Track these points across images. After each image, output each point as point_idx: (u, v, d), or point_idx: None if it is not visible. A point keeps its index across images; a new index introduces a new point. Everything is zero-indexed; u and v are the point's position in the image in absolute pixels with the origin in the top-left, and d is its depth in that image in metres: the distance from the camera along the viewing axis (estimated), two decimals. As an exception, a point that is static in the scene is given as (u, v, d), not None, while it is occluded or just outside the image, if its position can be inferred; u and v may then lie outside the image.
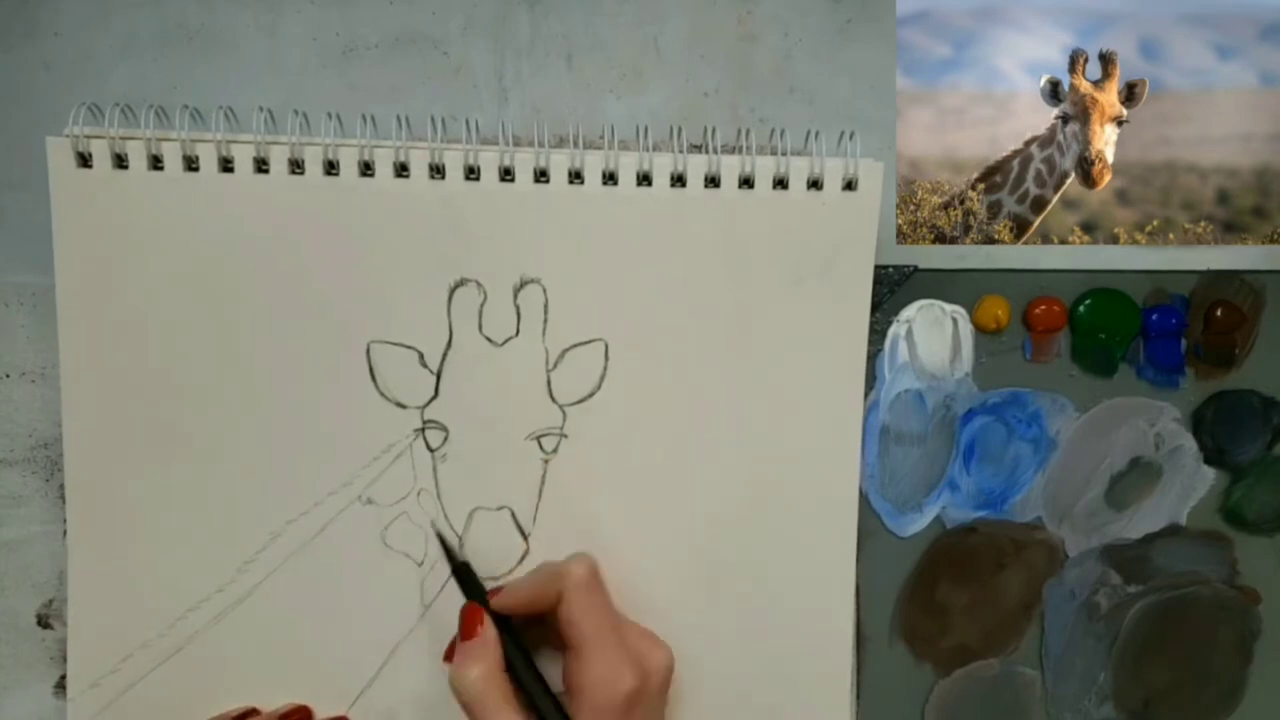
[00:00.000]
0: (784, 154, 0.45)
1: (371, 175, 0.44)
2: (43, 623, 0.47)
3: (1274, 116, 0.50)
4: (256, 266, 0.45)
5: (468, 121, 0.44)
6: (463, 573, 0.44)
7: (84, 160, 0.43)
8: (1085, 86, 0.49)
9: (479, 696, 0.39)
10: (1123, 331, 0.49)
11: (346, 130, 0.44)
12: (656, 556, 0.47)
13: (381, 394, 0.45)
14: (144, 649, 0.45)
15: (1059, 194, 0.49)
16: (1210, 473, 0.50)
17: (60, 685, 0.47)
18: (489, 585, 0.45)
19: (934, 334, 0.49)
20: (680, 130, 0.45)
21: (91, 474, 0.45)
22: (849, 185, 0.45)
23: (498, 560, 0.46)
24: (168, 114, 0.44)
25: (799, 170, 0.45)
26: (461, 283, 0.45)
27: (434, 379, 0.46)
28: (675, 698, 0.47)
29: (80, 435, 0.45)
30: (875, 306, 0.48)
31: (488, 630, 0.41)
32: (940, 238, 0.49)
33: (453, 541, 0.46)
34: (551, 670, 0.43)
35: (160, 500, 0.45)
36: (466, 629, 0.41)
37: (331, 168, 0.44)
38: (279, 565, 0.46)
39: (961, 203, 0.49)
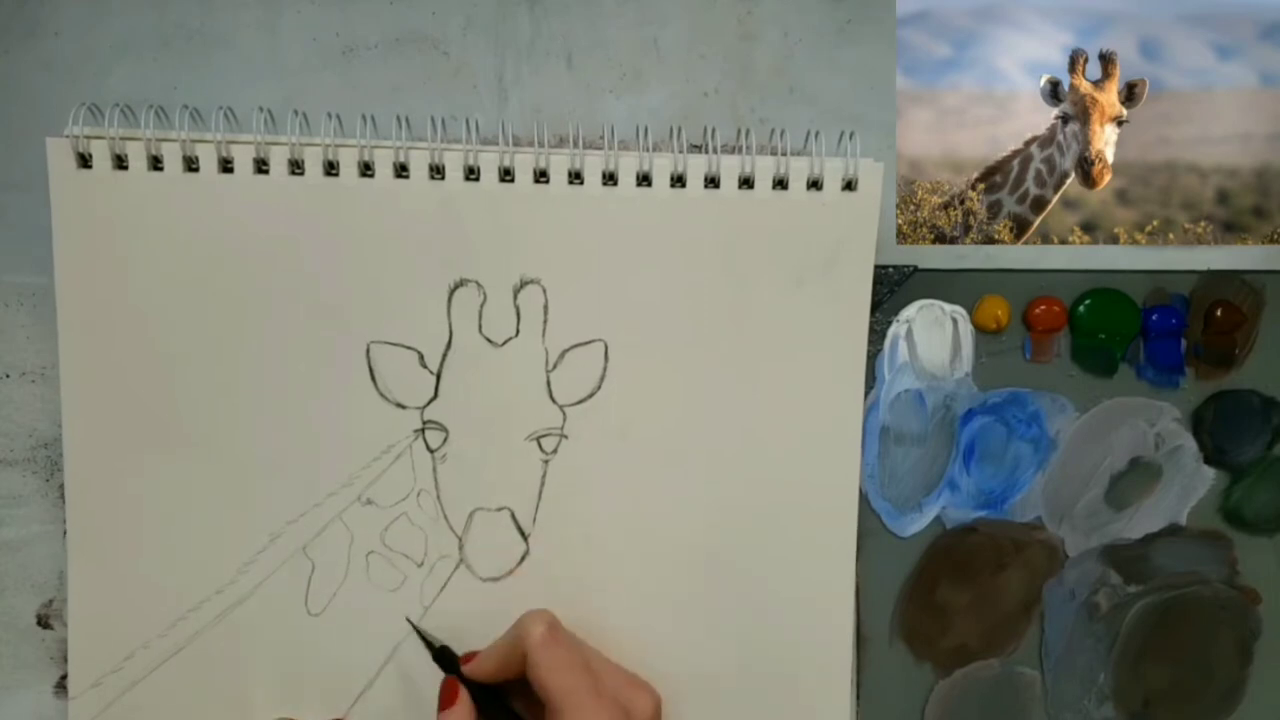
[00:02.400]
0: (784, 154, 0.45)
1: (371, 175, 0.44)
2: (43, 623, 0.47)
3: (1274, 116, 0.50)
4: (256, 267, 0.45)
5: (468, 121, 0.44)
6: (443, 659, 0.44)
7: (84, 161, 0.43)
8: (1085, 86, 0.49)
9: None
10: (1123, 331, 0.49)
11: (346, 130, 0.44)
12: (656, 557, 0.47)
13: (381, 395, 0.45)
14: (145, 649, 0.45)
15: (1059, 194, 0.49)
16: (1210, 473, 0.50)
17: (60, 685, 0.47)
18: (489, 587, 0.46)
19: (934, 334, 0.49)
20: (680, 130, 0.45)
21: (91, 474, 0.45)
22: (849, 185, 0.45)
23: (497, 561, 0.46)
24: (168, 114, 0.44)
25: (799, 170, 0.45)
26: (461, 283, 0.45)
27: (434, 379, 0.46)
28: (675, 697, 0.47)
29: (80, 435, 0.45)
30: (875, 306, 0.48)
31: (461, 700, 0.42)
32: (940, 238, 0.49)
33: (425, 633, 0.45)
34: None
35: (160, 501, 0.45)
36: (444, 700, 0.42)
37: (331, 168, 0.44)
38: (279, 566, 0.46)
39: (961, 203, 0.49)
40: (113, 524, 0.45)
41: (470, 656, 0.43)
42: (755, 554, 0.47)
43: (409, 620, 0.46)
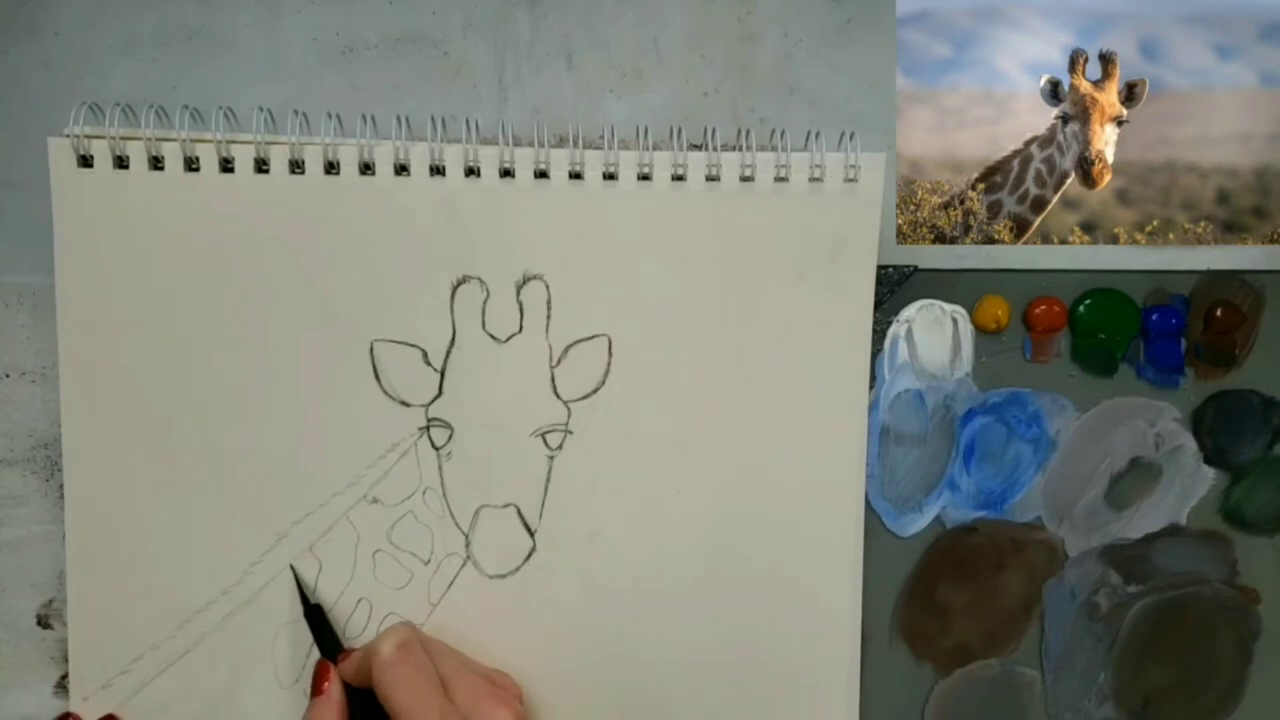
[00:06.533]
0: (784, 154, 0.45)
1: (372, 174, 0.44)
2: (43, 623, 0.47)
3: (1274, 116, 0.50)
4: (257, 266, 0.45)
5: (468, 121, 0.44)
6: (314, 617, 0.44)
7: (85, 160, 0.43)
8: (1085, 86, 0.49)
9: None
10: (1123, 331, 0.49)
11: (346, 130, 0.44)
12: (661, 552, 0.47)
13: (386, 393, 0.45)
14: (154, 650, 0.45)
15: (1059, 194, 0.50)
16: (1210, 473, 0.50)
17: (60, 685, 0.47)
18: (496, 584, 0.46)
19: (934, 334, 0.49)
20: (680, 130, 0.45)
21: (91, 474, 0.45)
22: (851, 178, 0.45)
23: (504, 558, 0.46)
24: (168, 114, 0.44)
25: (800, 163, 0.45)
26: (464, 280, 0.45)
27: (438, 377, 0.45)
28: (678, 696, 0.47)
29: (80, 435, 0.45)
30: (875, 306, 0.48)
31: (333, 689, 0.41)
32: (940, 238, 0.49)
33: (310, 591, 0.46)
34: None
35: (161, 501, 0.45)
36: (315, 685, 0.42)
37: (331, 168, 0.44)
38: (286, 565, 0.46)
39: (961, 203, 0.49)
40: (112, 524, 0.45)
41: (348, 653, 0.43)
42: (760, 548, 0.47)
43: (292, 567, 0.45)
